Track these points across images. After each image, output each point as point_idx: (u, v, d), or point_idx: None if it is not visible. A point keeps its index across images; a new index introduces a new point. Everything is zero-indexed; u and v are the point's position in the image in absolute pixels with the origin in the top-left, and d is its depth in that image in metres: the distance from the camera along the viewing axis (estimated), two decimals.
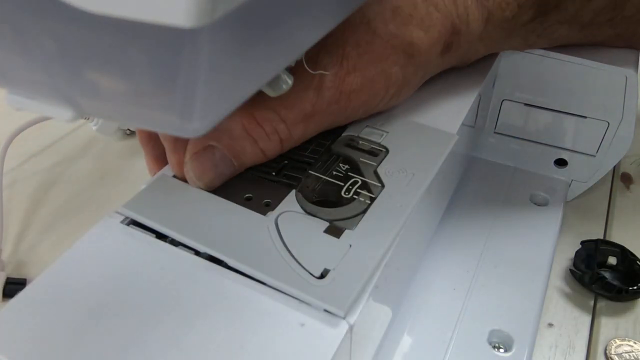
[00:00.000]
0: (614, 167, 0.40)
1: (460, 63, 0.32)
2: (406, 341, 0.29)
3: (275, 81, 0.22)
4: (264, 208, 0.24)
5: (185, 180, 0.25)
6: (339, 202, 0.24)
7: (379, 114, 0.29)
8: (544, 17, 0.31)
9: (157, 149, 0.27)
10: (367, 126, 0.28)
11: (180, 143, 0.25)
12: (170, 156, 0.25)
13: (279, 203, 0.24)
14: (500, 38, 0.31)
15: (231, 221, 0.23)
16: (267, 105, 0.25)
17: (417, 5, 0.27)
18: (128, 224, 0.23)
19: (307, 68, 0.24)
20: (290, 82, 0.22)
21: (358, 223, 0.23)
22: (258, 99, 0.24)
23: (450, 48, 0.29)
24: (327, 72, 0.25)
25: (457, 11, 0.28)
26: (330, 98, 0.26)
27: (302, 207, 0.24)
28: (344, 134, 0.28)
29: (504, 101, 0.37)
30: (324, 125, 0.27)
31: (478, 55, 0.33)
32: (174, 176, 0.25)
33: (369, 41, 0.26)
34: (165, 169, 0.26)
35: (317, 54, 0.25)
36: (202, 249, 0.22)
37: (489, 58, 0.34)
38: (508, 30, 0.30)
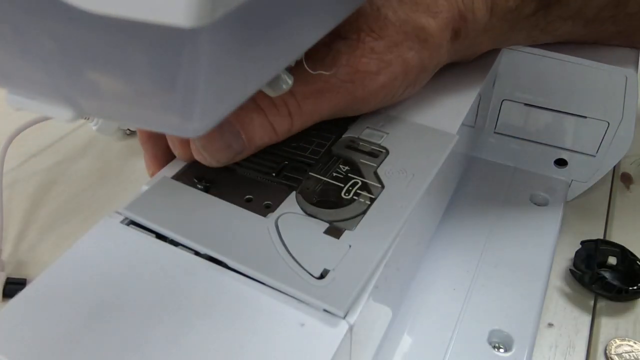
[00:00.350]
0: (614, 167, 0.40)
1: (466, 56, 0.32)
2: (406, 341, 0.29)
3: (275, 81, 0.22)
4: (264, 209, 0.24)
5: (193, 185, 0.25)
6: (339, 203, 0.24)
7: (379, 115, 0.29)
8: (547, 11, 0.31)
9: (156, 147, 0.27)
10: (367, 127, 0.28)
11: None
12: (173, 137, 0.25)
13: (279, 204, 0.24)
14: (504, 30, 0.31)
15: (231, 223, 0.23)
16: None
17: None
18: (128, 224, 0.23)
19: (307, 68, 0.24)
20: (290, 82, 0.22)
21: (358, 224, 0.23)
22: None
23: (459, 35, 0.29)
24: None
25: None
26: (345, 76, 0.25)
27: (302, 208, 0.24)
28: (344, 136, 0.28)
29: (504, 101, 0.37)
30: (339, 104, 0.26)
31: (484, 49, 0.33)
32: (174, 177, 0.25)
33: (382, 27, 0.26)
34: (165, 169, 0.26)
35: (332, 42, 0.25)
36: (202, 250, 0.22)
37: (489, 57, 0.34)
38: (512, 22, 0.31)
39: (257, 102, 0.24)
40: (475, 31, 0.30)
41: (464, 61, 0.33)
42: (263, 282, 0.21)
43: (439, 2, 0.28)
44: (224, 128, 0.24)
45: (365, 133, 0.28)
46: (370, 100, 0.27)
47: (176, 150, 0.25)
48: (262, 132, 0.25)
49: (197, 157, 0.25)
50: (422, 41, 0.27)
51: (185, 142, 0.25)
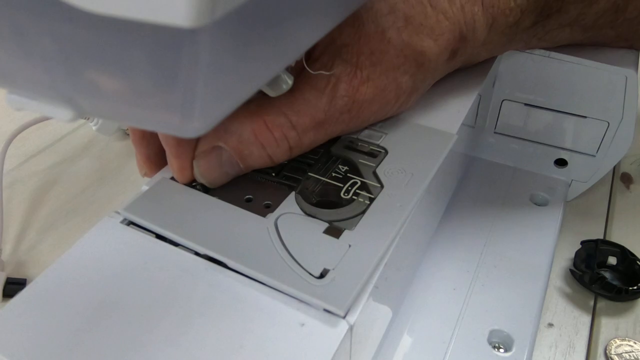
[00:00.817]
0: (614, 167, 0.40)
1: (462, 67, 0.32)
2: (406, 341, 0.29)
3: (275, 81, 0.22)
4: (264, 209, 0.24)
5: (192, 186, 0.25)
6: (339, 203, 0.24)
7: None
8: (546, 21, 0.31)
9: (149, 148, 0.27)
10: (366, 128, 0.28)
11: (183, 148, 0.25)
12: (172, 161, 0.25)
13: (279, 205, 0.24)
14: (502, 43, 0.31)
15: (231, 223, 0.23)
16: (278, 110, 0.24)
17: (428, 14, 0.27)
18: (128, 224, 0.23)
19: (307, 67, 0.24)
20: (290, 82, 0.23)
21: (357, 223, 0.23)
22: (268, 102, 0.24)
23: (456, 54, 0.29)
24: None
25: (464, 19, 0.28)
26: (343, 107, 0.26)
27: (301, 208, 0.24)
28: (343, 136, 0.28)
29: (504, 101, 0.37)
30: (334, 133, 0.27)
31: (479, 60, 0.33)
32: (172, 178, 0.25)
33: (383, 50, 0.26)
34: (164, 170, 0.26)
35: (332, 61, 0.25)
36: (202, 250, 0.22)
37: (490, 58, 0.34)
38: (510, 36, 0.31)
39: (257, 135, 0.24)
40: (473, 48, 0.30)
41: (460, 69, 0.33)
42: (263, 282, 0.21)
43: (443, 23, 0.27)
44: (223, 158, 0.24)
45: (364, 133, 0.28)
46: (360, 126, 0.28)
47: (175, 174, 0.25)
48: (260, 162, 0.25)
49: (197, 179, 0.25)
50: (419, 65, 0.27)
51: (185, 169, 0.25)
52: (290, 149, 0.25)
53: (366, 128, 0.28)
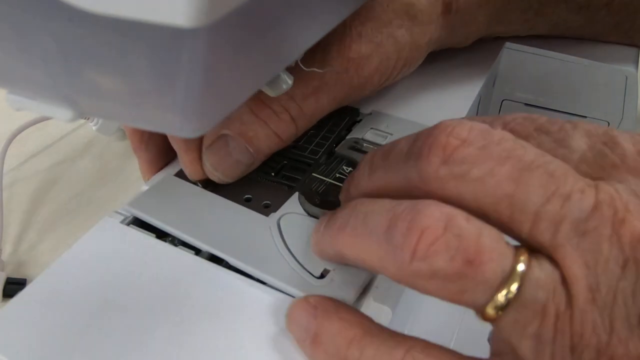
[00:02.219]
0: None
1: (463, 35, 0.32)
2: None
3: (275, 81, 0.22)
4: (263, 209, 0.24)
5: (194, 183, 0.25)
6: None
7: (382, 116, 0.29)
8: None
9: (149, 153, 0.27)
10: (371, 128, 0.28)
11: (191, 142, 0.25)
12: (182, 156, 0.25)
13: (281, 204, 0.24)
14: (497, 6, 0.31)
15: (234, 221, 0.23)
16: None
17: None
18: (128, 224, 0.23)
19: (301, 66, 0.24)
20: (290, 82, 0.22)
21: None
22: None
23: (450, 8, 0.29)
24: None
25: None
26: (338, 67, 0.25)
27: (304, 209, 0.24)
28: (348, 137, 0.28)
29: (504, 101, 0.37)
30: (338, 96, 0.26)
31: (479, 29, 0.32)
32: (176, 175, 0.26)
33: (368, 8, 0.26)
34: (167, 168, 0.26)
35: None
36: (204, 248, 0.22)
37: (490, 57, 0.34)
38: None
39: (256, 113, 0.24)
40: (467, 5, 0.30)
41: (460, 45, 0.33)
42: (264, 281, 0.21)
43: None
44: (231, 146, 0.24)
45: (368, 134, 0.28)
46: (366, 86, 0.27)
47: (187, 169, 0.25)
48: (268, 142, 0.25)
49: (211, 177, 0.25)
50: (412, 18, 0.27)
51: (195, 161, 0.25)
52: (294, 120, 0.25)
53: (371, 129, 0.28)
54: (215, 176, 0.24)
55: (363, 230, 0.18)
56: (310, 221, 0.23)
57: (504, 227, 0.16)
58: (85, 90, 0.16)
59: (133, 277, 0.21)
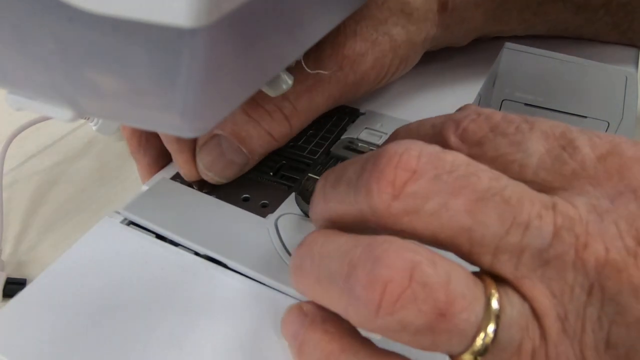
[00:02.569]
0: None
1: (460, 34, 0.32)
2: None
3: (275, 81, 0.22)
4: (261, 209, 0.24)
5: (190, 185, 0.25)
6: None
7: (377, 116, 0.29)
8: None
9: (147, 156, 0.27)
10: (365, 128, 0.28)
11: (185, 143, 0.25)
12: (176, 157, 0.25)
13: (278, 205, 0.24)
14: (495, 6, 0.31)
15: (231, 223, 0.23)
16: None
17: None
18: (128, 224, 0.23)
19: (305, 67, 0.24)
20: (290, 82, 0.22)
21: None
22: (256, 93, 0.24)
23: (447, 6, 0.29)
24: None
25: None
26: (333, 65, 0.25)
27: (301, 209, 0.24)
28: (342, 137, 0.28)
29: (504, 101, 0.37)
30: (333, 95, 0.26)
31: (477, 27, 0.32)
32: (172, 178, 0.26)
33: (364, 6, 0.26)
34: (163, 171, 0.26)
35: None
36: (202, 250, 0.22)
37: (489, 57, 0.34)
38: None
39: (249, 113, 0.24)
40: (464, 4, 0.29)
41: (457, 44, 0.32)
42: (263, 282, 0.21)
43: None
44: (224, 146, 0.24)
45: (363, 134, 0.28)
46: (362, 84, 0.27)
47: (181, 170, 0.25)
48: (261, 142, 0.24)
49: (205, 178, 0.25)
50: (407, 15, 0.27)
51: (189, 161, 0.25)
52: (287, 118, 0.25)
53: (366, 128, 0.28)
54: (209, 177, 0.24)
55: (321, 275, 0.17)
56: (307, 222, 0.23)
57: (464, 257, 0.16)
58: (85, 90, 0.16)
59: (133, 277, 0.21)
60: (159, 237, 0.23)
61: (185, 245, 0.22)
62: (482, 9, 0.31)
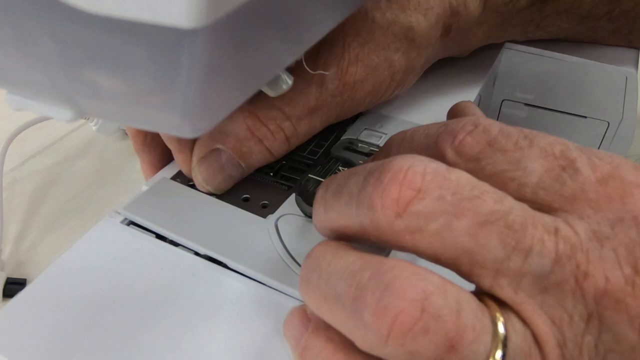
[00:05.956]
0: None
1: (460, 50, 0.32)
2: None
3: (275, 81, 0.22)
4: (261, 209, 0.24)
5: (191, 185, 0.25)
6: None
7: (377, 116, 0.29)
8: (542, 5, 0.31)
9: (152, 155, 0.27)
10: (365, 129, 0.28)
11: (185, 142, 0.25)
12: (177, 156, 0.25)
13: (279, 204, 0.24)
14: (498, 24, 0.31)
15: (231, 223, 0.23)
16: (270, 104, 0.24)
17: None
18: (128, 224, 0.23)
19: (307, 68, 0.24)
20: (290, 82, 0.22)
21: None
22: (260, 99, 0.24)
23: (450, 31, 0.29)
24: (327, 72, 0.25)
25: None
26: (334, 90, 0.25)
27: (301, 210, 0.24)
28: (342, 137, 0.28)
29: (504, 101, 0.37)
30: (330, 118, 0.26)
31: (478, 43, 0.32)
32: (172, 178, 0.26)
33: (369, 30, 0.26)
34: (164, 170, 0.26)
35: (317, 48, 0.25)
36: (202, 251, 0.22)
37: (489, 57, 0.34)
38: (506, 16, 0.30)
39: (253, 131, 0.24)
40: (468, 25, 0.29)
41: (458, 56, 0.33)
42: (263, 282, 0.21)
43: None
44: (224, 160, 0.24)
45: (363, 134, 0.28)
46: (357, 108, 0.27)
47: (181, 168, 0.26)
48: (260, 157, 0.25)
49: (201, 189, 0.25)
50: (410, 41, 0.27)
51: (189, 161, 0.25)
52: (288, 139, 0.25)
53: (366, 129, 0.28)
54: (207, 189, 0.25)
55: (327, 293, 0.16)
56: (308, 222, 0.23)
57: (463, 277, 0.16)
58: (85, 90, 0.16)
59: (133, 277, 0.21)
60: (159, 237, 0.23)
61: (185, 245, 0.22)
62: (485, 27, 0.31)
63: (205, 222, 0.23)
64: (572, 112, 0.36)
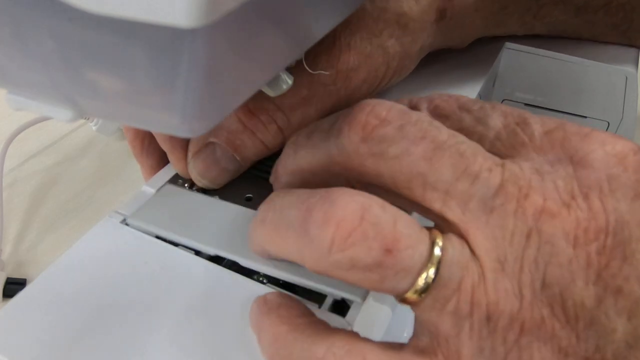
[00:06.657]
0: None
1: (459, 40, 0.32)
2: (406, 341, 0.29)
3: (275, 81, 0.22)
4: None
5: (191, 187, 0.25)
6: None
7: None
8: None
9: (151, 158, 0.27)
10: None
11: (177, 141, 0.25)
12: (170, 155, 0.25)
13: None
14: (494, 11, 0.31)
15: (233, 222, 0.23)
16: (261, 95, 0.24)
17: None
18: (128, 224, 0.23)
19: (307, 67, 0.24)
20: (290, 82, 0.22)
21: None
22: (254, 94, 0.24)
23: (445, 15, 0.29)
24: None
25: None
26: (326, 79, 0.25)
27: None
28: None
29: (504, 101, 0.37)
30: (325, 107, 0.26)
31: (476, 32, 0.32)
32: (172, 178, 0.26)
33: (360, 18, 0.26)
34: (162, 172, 0.26)
35: None
36: (204, 249, 0.22)
37: (489, 57, 0.34)
38: (502, 2, 0.31)
39: (244, 122, 0.24)
40: (463, 10, 0.29)
41: (457, 47, 0.32)
42: (263, 281, 0.21)
43: None
44: (218, 154, 0.24)
45: None
46: (354, 97, 0.27)
47: (175, 168, 0.26)
48: (255, 150, 0.25)
49: (197, 184, 0.25)
50: (403, 27, 0.27)
51: (182, 159, 0.25)
52: (281, 130, 0.25)
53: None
54: (202, 183, 0.25)
55: (280, 223, 0.18)
56: None
57: (417, 205, 0.17)
58: (84, 90, 0.16)
59: (133, 277, 0.21)
60: (159, 237, 0.23)
61: (189, 245, 0.22)
62: (481, 13, 0.30)
63: (212, 223, 0.23)
64: (572, 112, 0.36)
